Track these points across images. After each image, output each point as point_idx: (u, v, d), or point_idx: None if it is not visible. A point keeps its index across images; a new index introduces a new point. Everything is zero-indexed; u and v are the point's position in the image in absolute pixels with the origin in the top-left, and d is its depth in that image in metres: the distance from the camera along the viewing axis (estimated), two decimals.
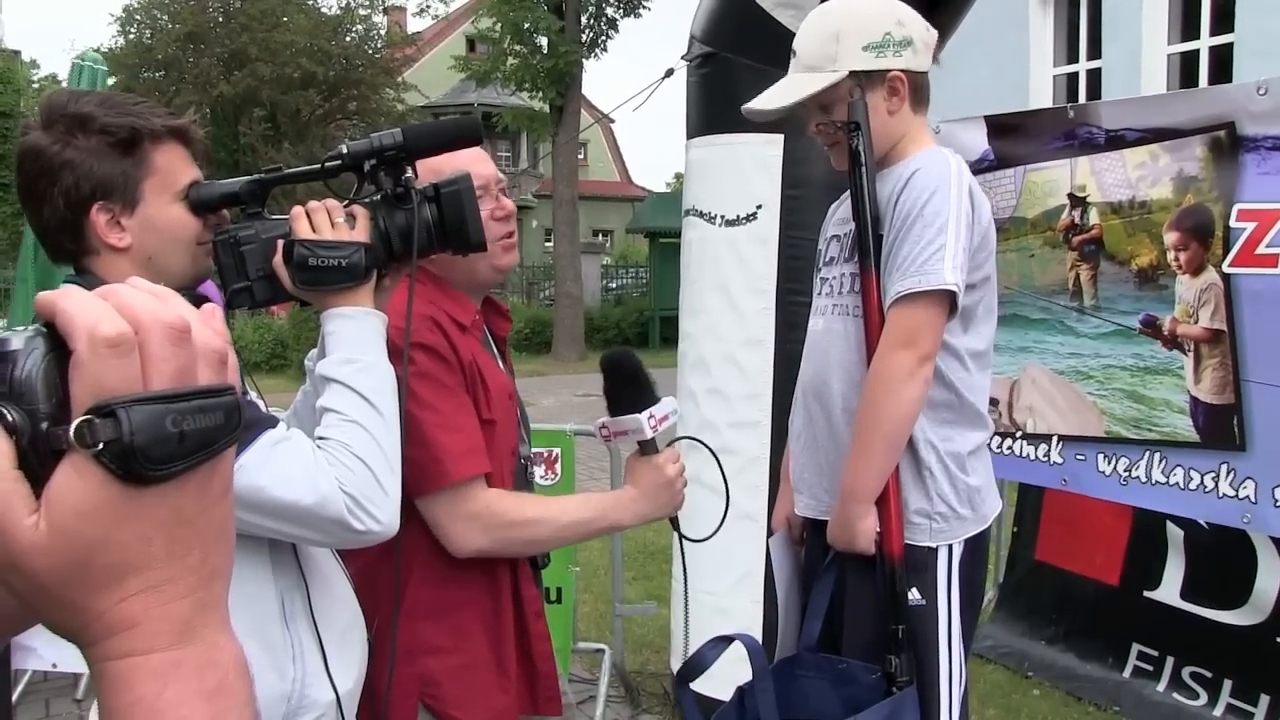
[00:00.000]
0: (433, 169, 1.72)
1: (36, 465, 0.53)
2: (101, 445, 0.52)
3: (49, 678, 4.47)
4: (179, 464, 0.54)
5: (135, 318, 0.54)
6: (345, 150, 1.61)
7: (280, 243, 1.57)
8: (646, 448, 1.97)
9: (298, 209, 1.58)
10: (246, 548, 1.51)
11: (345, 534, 1.53)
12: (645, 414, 1.92)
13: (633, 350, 2.06)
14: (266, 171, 1.63)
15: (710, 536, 2.12)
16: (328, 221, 1.58)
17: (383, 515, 1.53)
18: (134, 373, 0.53)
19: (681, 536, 2.11)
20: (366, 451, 1.53)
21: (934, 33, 2.26)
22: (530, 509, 1.95)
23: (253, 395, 1.65)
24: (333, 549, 1.72)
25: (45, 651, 4.01)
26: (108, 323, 0.53)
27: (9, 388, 0.53)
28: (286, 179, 1.64)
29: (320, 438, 1.54)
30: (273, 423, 1.51)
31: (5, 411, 0.52)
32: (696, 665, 2.35)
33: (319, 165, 1.62)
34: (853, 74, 2.17)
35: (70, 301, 0.53)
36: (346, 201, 1.62)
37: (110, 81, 4.26)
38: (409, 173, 1.62)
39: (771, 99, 2.27)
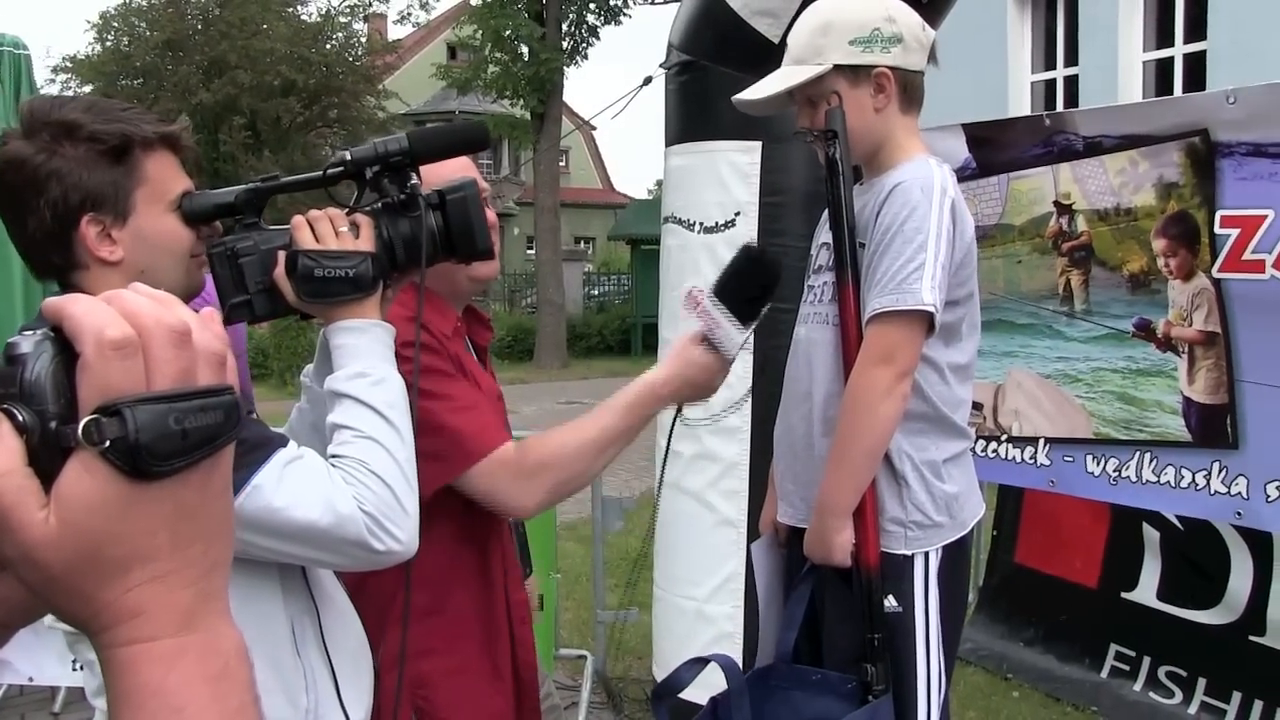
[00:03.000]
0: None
1: (46, 463, 0.55)
2: (108, 443, 0.54)
3: (25, 691, 4.42)
4: (182, 460, 0.57)
5: (139, 321, 0.57)
6: (349, 157, 1.54)
7: (281, 254, 1.49)
8: (714, 347, 1.96)
9: (299, 218, 1.51)
10: (255, 572, 1.45)
11: (365, 555, 1.45)
12: (748, 331, 1.92)
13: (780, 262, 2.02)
14: (263, 180, 1.55)
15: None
16: (331, 231, 1.51)
17: (403, 534, 1.47)
18: (138, 374, 0.56)
19: (674, 432, 2.13)
20: (384, 468, 1.46)
21: (930, 32, 2.24)
22: (563, 438, 1.92)
23: (256, 414, 1.59)
24: (338, 571, 1.66)
25: (21, 664, 3.93)
26: (114, 327, 0.56)
27: (19, 389, 0.55)
28: (284, 187, 1.56)
29: (334, 455, 1.47)
30: (283, 441, 1.44)
31: (16, 412, 0.55)
32: (673, 685, 2.35)
33: (320, 173, 1.55)
34: (838, 68, 2.16)
35: (77, 307, 0.56)
36: (348, 210, 1.56)
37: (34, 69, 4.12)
38: (414, 179, 1.56)
39: (758, 89, 2.27)
